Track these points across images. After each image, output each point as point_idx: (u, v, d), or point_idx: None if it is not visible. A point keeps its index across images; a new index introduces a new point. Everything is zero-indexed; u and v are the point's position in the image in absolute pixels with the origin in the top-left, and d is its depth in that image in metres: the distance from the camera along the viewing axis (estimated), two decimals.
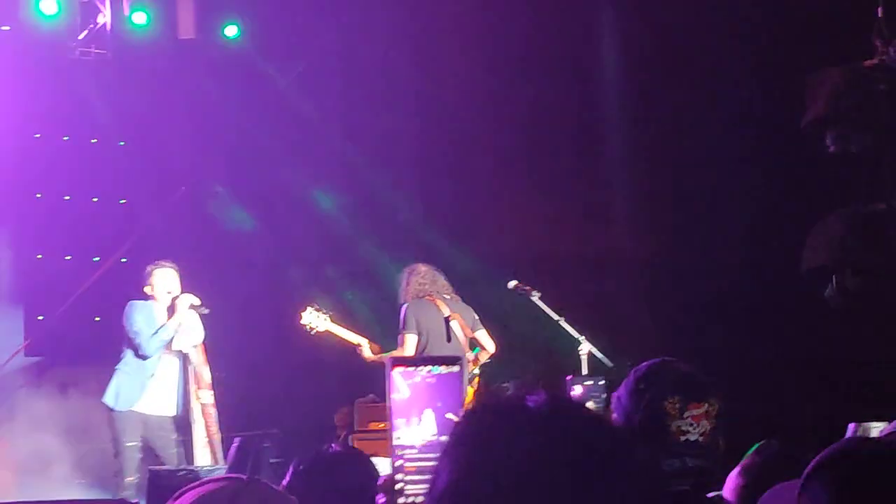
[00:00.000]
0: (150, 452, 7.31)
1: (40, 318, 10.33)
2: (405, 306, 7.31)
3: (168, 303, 7.42)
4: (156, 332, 7.29)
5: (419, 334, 7.19)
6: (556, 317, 7.25)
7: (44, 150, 10.31)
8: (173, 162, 10.53)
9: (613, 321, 8.57)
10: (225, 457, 7.25)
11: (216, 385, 7.58)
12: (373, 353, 7.55)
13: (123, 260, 10.17)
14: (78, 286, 10.00)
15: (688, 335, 7.98)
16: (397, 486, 1.75)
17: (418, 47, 10.52)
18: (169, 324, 7.32)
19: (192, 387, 7.39)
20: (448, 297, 7.45)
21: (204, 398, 7.37)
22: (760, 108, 8.96)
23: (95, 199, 10.65)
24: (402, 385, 1.79)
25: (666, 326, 8.80)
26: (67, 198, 10.53)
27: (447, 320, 7.32)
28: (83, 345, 9.57)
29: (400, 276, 7.58)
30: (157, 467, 6.86)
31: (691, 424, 2.42)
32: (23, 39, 9.78)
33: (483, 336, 7.42)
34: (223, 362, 8.15)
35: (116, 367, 7.37)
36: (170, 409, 7.40)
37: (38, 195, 10.43)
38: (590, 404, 1.48)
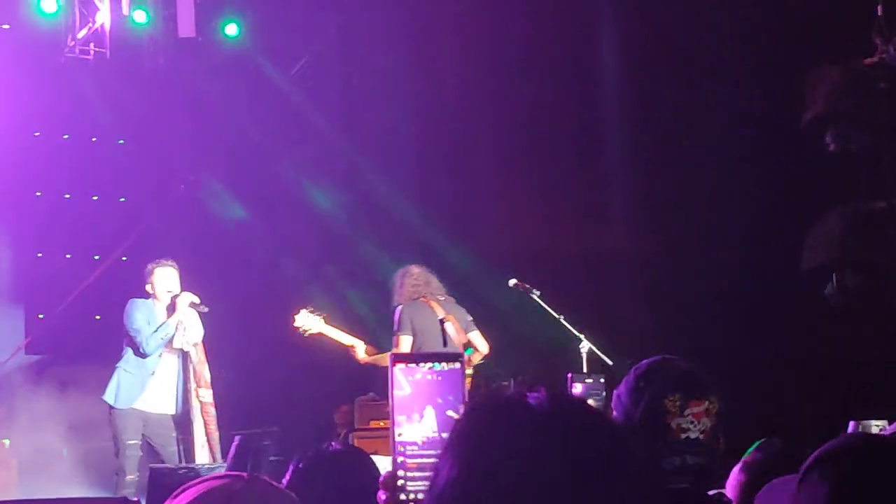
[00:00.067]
0: (150, 450, 7.31)
1: (41, 316, 10.35)
2: (400, 308, 7.31)
3: (168, 301, 7.43)
4: (156, 331, 7.29)
5: (414, 336, 7.19)
6: (556, 315, 7.25)
7: (43, 149, 10.32)
8: (173, 160, 10.54)
9: (613, 320, 8.57)
10: (224, 455, 7.26)
11: (216, 383, 7.58)
12: (367, 354, 7.54)
13: (124, 258, 10.18)
14: (78, 284, 10.00)
15: (688, 334, 7.97)
16: (398, 483, 1.74)
17: (418, 46, 10.52)
18: (169, 322, 7.32)
19: (192, 385, 7.39)
20: (442, 298, 7.45)
21: (203, 397, 7.37)
22: (760, 108, 8.95)
23: (95, 198, 10.67)
24: (404, 382, 1.78)
25: (666, 325, 8.79)
26: (67, 196, 10.55)
27: (442, 322, 7.31)
28: (83, 343, 9.58)
29: (393, 277, 7.57)
30: (158, 465, 6.87)
31: (692, 422, 2.42)
32: (22, 38, 9.79)
33: (476, 337, 7.41)
34: (223, 361, 8.16)
35: (117, 365, 7.38)
36: (170, 407, 7.41)
37: (38, 194, 10.45)
38: (590, 402, 1.49)
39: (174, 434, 7.39)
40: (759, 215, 9.03)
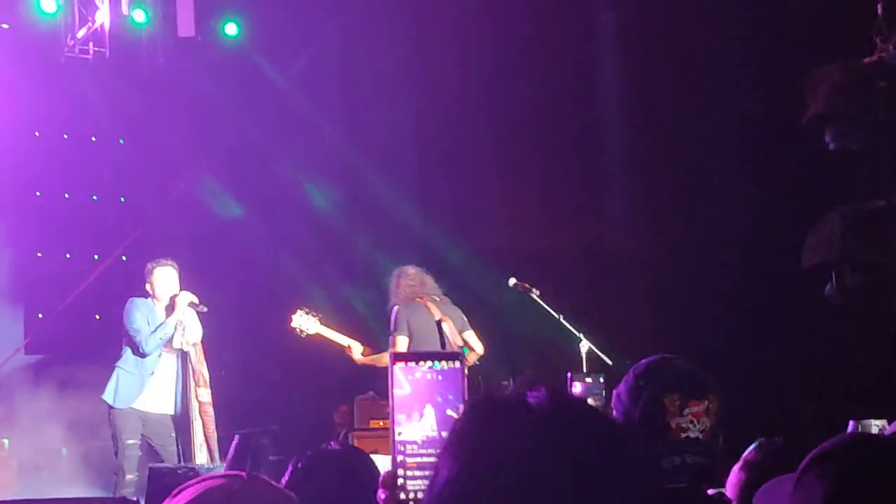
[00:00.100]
0: (149, 450, 7.31)
1: (40, 315, 10.34)
2: (396, 308, 7.30)
3: (168, 301, 7.42)
4: (155, 330, 7.29)
5: (410, 336, 7.19)
6: (556, 315, 7.25)
7: (43, 149, 10.31)
8: (173, 160, 10.54)
9: (613, 320, 8.57)
10: (223, 455, 7.26)
11: (215, 383, 7.58)
12: (363, 355, 7.54)
13: (123, 258, 10.18)
14: (78, 284, 10.00)
15: (688, 334, 7.97)
16: (398, 482, 1.74)
17: (418, 47, 10.52)
18: (168, 322, 7.32)
19: (191, 385, 7.38)
20: (438, 298, 7.44)
21: (202, 396, 7.36)
22: (761, 109, 8.95)
23: (95, 198, 10.66)
24: (403, 381, 1.78)
25: (666, 326, 8.79)
26: (67, 196, 10.54)
27: (439, 323, 7.31)
28: (83, 343, 9.57)
29: (389, 278, 7.57)
30: (157, 465, 6.86)
31: (691, 421, 2.41)
32: (22, 37, 9.78)
33: (471, 337, 7.41)
34: (222, 360, 8.15)
35: (116, 364, 7.37)
36: (169, 407, 7.40)
37: (38, 193, 10.44)
38: (589, 401, 1.48)
39: (173, 434, 7.38)
40: (760, 216, 9.02)
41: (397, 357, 1.79)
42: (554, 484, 1.16)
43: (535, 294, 7.36)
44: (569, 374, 6.20)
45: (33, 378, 9.56)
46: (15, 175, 9.77)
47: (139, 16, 9.89)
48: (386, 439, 1.97)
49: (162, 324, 7.31)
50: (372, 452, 3.37)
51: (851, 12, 7.70)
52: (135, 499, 6.62)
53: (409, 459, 1.74)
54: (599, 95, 10.17)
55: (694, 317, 8.77)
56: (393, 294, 7.45)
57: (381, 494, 1.75)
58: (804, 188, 8.33)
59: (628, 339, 7.79)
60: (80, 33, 9.80)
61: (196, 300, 7.41)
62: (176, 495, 1.77)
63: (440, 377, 1.78)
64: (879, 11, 7.29)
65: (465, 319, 7.45)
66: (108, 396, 7.28)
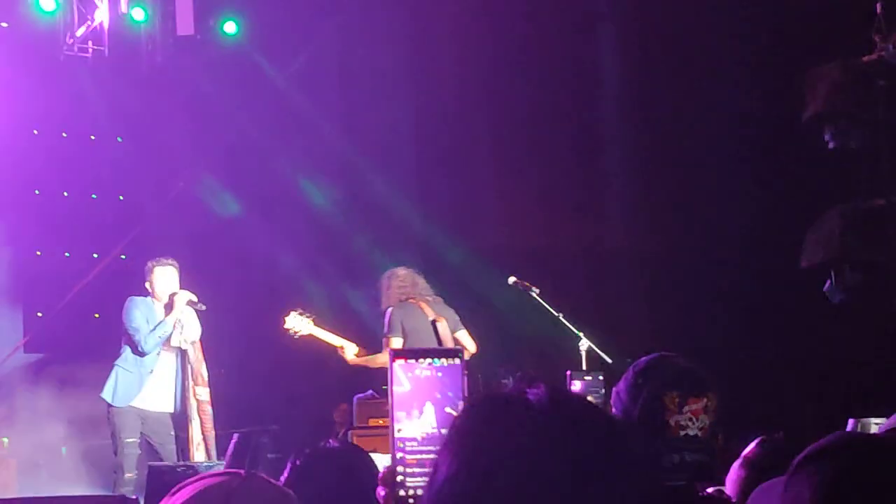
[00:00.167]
0: (149, 449, 7.30)
1: (39, 314, 10.34)
2: (390, 310, 7.30)
3: (167, 300, 7.42)
4: (154, 329, 7.28)
5: (404, 337, 7.19)
6: (555, 313, 7.24)
7: (42, 147, 10.31)
8: (171, 158, 10.53)
9: (613, 318, 8.57)
10: (220, 454, 7.25)
11: (214, 381, 7.57)
12: (357, 356, 7.54)
13: (122, 256, 10.17)
14: (77, 283, 10.00)
15: (687, 333, 7.97)
16: (398, 479, 1.74)
17: (417, 45, 10.53)
18: (167, 320, 7.31)
19: (190, 383, 7.38)
20: (431, 298, 7.44)
21: (200, 395, 7.36)
22: (760, 106, 8.95)
23: (94, 196, 10.65)
24: (403, 378, 1.78)
25: (665, 324, 8.80)
26: (66, 194, 10.53)
27: (434, 323, 7.31)
28: (82, 341, 9.57)
29: (380, 281, 7.56)
30: (157, 463, 6.86)
31: (690, 419, 2.41)
32: (21, 36, 9.78)
33: (464, 337, 7.41)
34: (221, 359, 8.15)
35: (115, 363, 7.37)
36: (168, 405, 7.40)
37: (37, 192, 10.43)
38: (589, 400, 1.48)
39: (172, 432, 7.37)
40: (759, 214, 9.03)
41: (397, 354, 1.78)
42: (553, 481, 1.16)
43: (534, 292, 7.36)
44: (568, 373, 6.20)
45: (32, 377, 9.57)
46: (14, 173, 9.76)
47: (138, 14, 9.89)
48: (385, 438, 1.97)
49: (161, 322, 7.30)
50: (371, 451, 3.37)
51: (851, 11, 7.70)
52: (134, 497, 6.61)
53: (408, 456, 1.74)
54: (598, 94, 10.17)
55: (693, 315, 8.77)
56: (384, 296, 7.44)
57: (381, 491, 1.75)
58: (803, 187, 8.32)
59: (628, 338, 7.79)
60: (80, 32, 9.80)
61: (195, 298, 7.40)
62: (175, 493, 1.77)
63: (440, 374, 1.78)
64: (879, 10, 7.29)
65: (458, 319, 7.45)
66: (107, 395, 7.28)
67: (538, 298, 7.33)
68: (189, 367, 7.39)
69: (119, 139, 10.56)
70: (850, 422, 4.50)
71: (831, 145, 7.44)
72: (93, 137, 10.58)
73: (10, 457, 8.76)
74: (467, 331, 7.44)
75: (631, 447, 1.22)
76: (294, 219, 10.62)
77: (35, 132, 10.35)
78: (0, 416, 9.02)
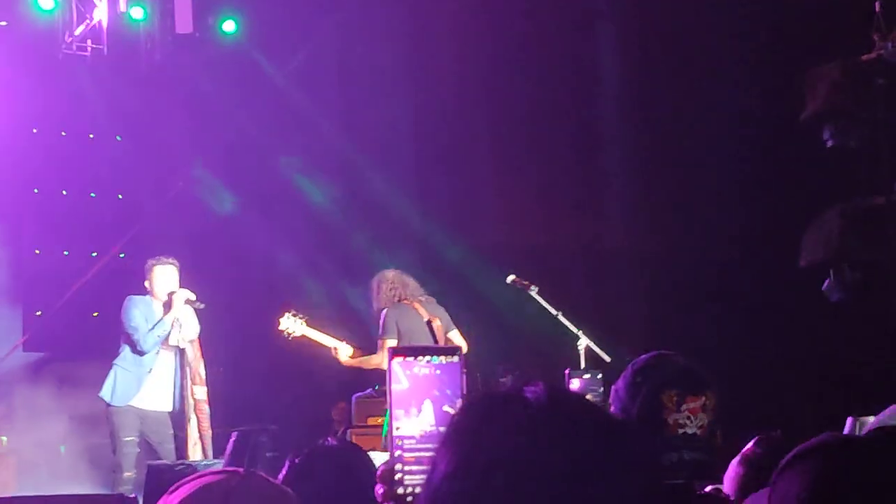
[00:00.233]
0: (147, 447, 7.30)
1: (38, 313, 10.34)
2: (385, 311, 7.30)
3: (166, 299, 7.42)
4: (153, 328, 7.28)
5: (399, 338, 7.19)
6: (554, 311, 7.24)
7: (41, 146, 10.31)
8: (170, 157, 10.53)
9: (612, 317, 8.57)
10: (217, 453, 7.25)
11: (213, 380, 7.57)
12: (351, 357, 7.54)
13: (121, 255, 10.17)
14: (76, 281, 10.00)
15: (687, 332, 7.96)
16: (396, 476, 1.74)
17: (416, 43, 10.52)
18: (165, 319, 7.31)
19: (188, 382, 7.38)
20: (423, 299, 7.45)
21: (197, 394, 7.36)
22: (759, 105, 8.95)
23: (93, 195, 10.65)
24: (402, 375, 1.77)
25: (664, 323, 8.79)
26: (65, 193, 10.53)
27: (429, 323, 7.31)
28: (81, 340, 9.57)
29: (370, 285, 7.56)
30: (155, 462, 6.86)
31: (689, 417, 2.41)
32: (20, 35, 9.78)
33: (456, 336, 7.42)
34: (220, 357, 8.14)
35: (114, 362, 7.37)
36: (167, 404, 7.40)
37: (36, 190, 10.43)
38: (588, 398, 1.48)
39: (171, 431, 7.38)
40: (759, 213, 9.02)
41: (396, 352, 1.78)
42: (552, 480, 1.16)
43: (533, 291, 7.35)
44: (567, 371, 6.20)
45: (31, 375, 9.57)
46: (13, 172, 9.76)
47: (137, 13, 9.89)
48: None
49: (159, 321, 7.30)
50: (369, 450, 3.37)
51: (850, 10, 7.69)
52: (133, 496, 6.61)
53: (406, 454, 1.73)
54: (598, 92, 10.16)
55: (692, 314, 8.77)
56: (374, 300, 7.45)
57: (379, 489, 1.74)
58: (803, 186, 8.32)
59: (626, 336, 7.79)
60: (78, 30, 9.80)
61: (193, 297, 7.40)
62: (173, 491, 1.77)
63: (438, 372, 1.78)
64: (878, 9, 7.28)
65: (450, 319, 7.46)
66: (105, 394, 7.28)
67: (537, 297, 7.32)
68: (188, 365, 7.39)
69: (118, 138, 10.55)
70: (849, 420, 4.49)
71: (830, 144, 7.44)
72: (92, 136, 10.59)
73: (9, 455, 8.76)
74: (459, 330, 7.44)
75: (630, 446, 1.22)
76: (293, 217, 10.62)
77: (34, 131, 10.35)
78: None
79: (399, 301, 7.34)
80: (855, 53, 7.42)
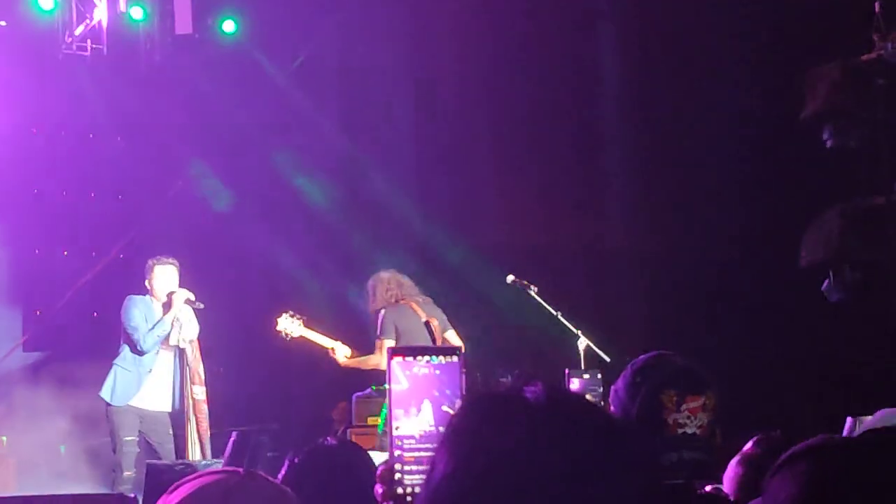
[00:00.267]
0: (147, 447, 7.31)
1: (38, 313, 10.33)
2: (383, 312, 7.29)
3: (165, 299, 7.42)
4: (153, 328, 7.28)
5: (397, 339, 7.19)
6: (553, 311, 7.24)
7: (41, 146, 10.31)
8: (170, 157, 10.53)
9: (612, 317, 8.57)
10: (215, 453, 7.25)
11: (213, 380, 7.57)
12: (348, 357, 7.54)
13: (121, 255, 10.17)
14: (75, 281, 10.00)
15: (686, 332, 7.97)
16: (396, 476, 1.74)
17: (417, 43, 10.52)
18: (165, 319, 7.31)
19: (188, 382, 7.38)
20: (420, 299, 7.45)
21: (197, 394, 7.36)
22: (759, 105, 8.95)
23: (93, 195, 10.65)
24: (401, 376, 1.77)
25: (664, 323, 8.79)
26: (64, 193, 10.53)
27: (427, 324, 7.32)
28: (81, 340, 9.57)
29: (366, 287, 7.55)
30: (155, 462, 6.86)
31: (688, 417, 2.41)
32: (20, 35, 9.77)
33: (452, 336, 7.42)
34: (219, 357, 8.14)
35: (114, 362, 7.37)
36: (166, 404, 7.40)
37: (35, 190, 10.43)
38: (587, 398, 1.48)
39: (171, 431, 7.38)
40: (759, 213, 9.02)
41: (395, 352, 1.78)
42: (551, 480, 1.16)
43: (533, 291, 7.36)
44: (566, 371, 6.19)
45: (31, 375, 9.56)
46: (12, 172, 9.76)
47: (137, 13, 9.89)
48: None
49: (159, 321, 7.30)
50: (369, 449, 3.37)
51: (850, 10, 7.69)
52: (132, 495, 6.61)
53: (406, 454, 1.74)
54: (598, 92, 10.16)
55: (692, 314, 8.77)
56: (371, 301, 7.45)
57: (379, 489, 1.75)
58: (803, 186, 8.32)
59: (626, 336, 7.79)
60: (78, 30, 9.79)
61: (192, 297, 7.40)
62: (173, 491, 1.77)
63: (438, 372, 1.78)
64: (877, 9, 7.28)
65: (446, 319, 7.47)
66: (105, 394, 7.28)
67: (537, 297, 7.33)
68: (187, 365, 7.39)
69: (118, 138, 10.55)
70: (848, 420, 4.49)
71: (830, 144, 7.44)
72: (91, 136, 10.58)
73: (9, 455, 8.75)
74: (456, 331, 7.45)
75: (629, 445, 1.22)
76: (293, 217, 10.62)
77: (34, 131, 10.35)
78: None
79: (396, 302, 7.34)
80: (855, 53, 7.42)
